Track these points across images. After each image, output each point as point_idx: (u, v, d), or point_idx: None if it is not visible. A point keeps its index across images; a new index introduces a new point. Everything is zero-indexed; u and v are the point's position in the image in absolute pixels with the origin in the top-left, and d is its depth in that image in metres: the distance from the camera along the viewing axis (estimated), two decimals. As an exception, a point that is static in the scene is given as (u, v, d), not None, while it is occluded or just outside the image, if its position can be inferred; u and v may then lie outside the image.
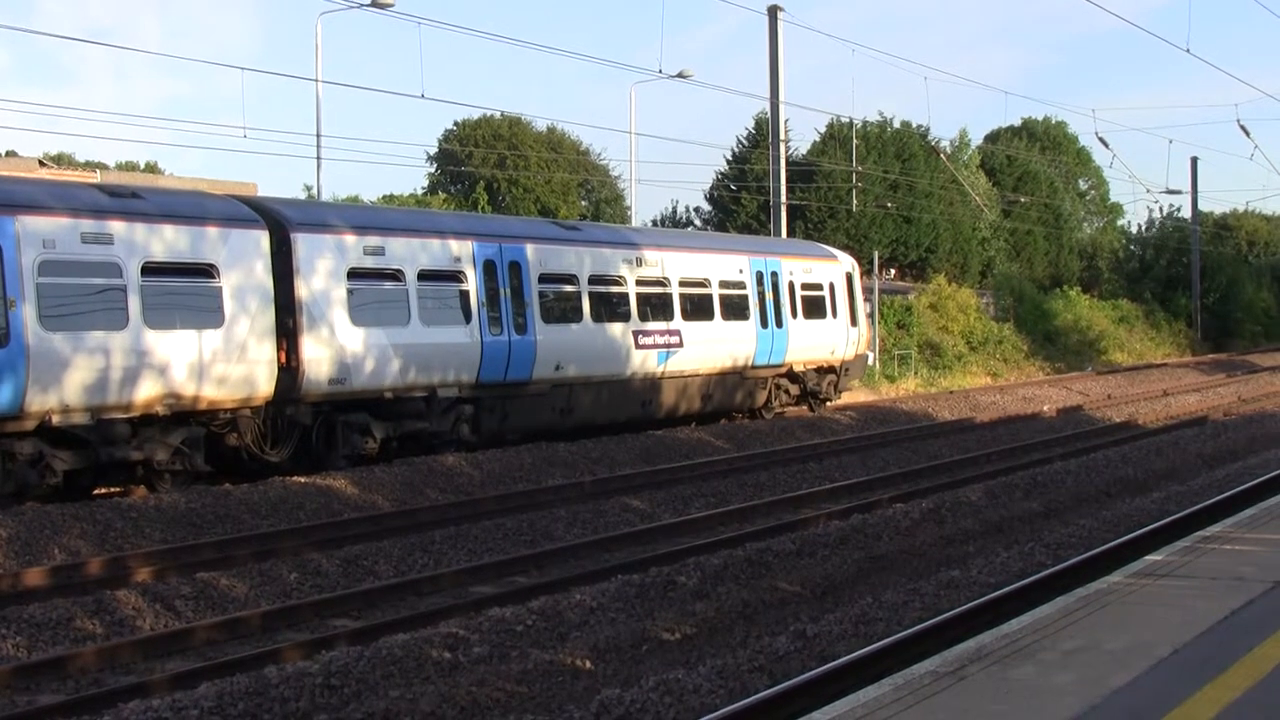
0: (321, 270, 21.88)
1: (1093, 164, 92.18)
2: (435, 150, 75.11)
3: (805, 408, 33.74)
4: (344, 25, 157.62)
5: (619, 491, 21.19)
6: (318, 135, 42.86)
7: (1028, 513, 19.55)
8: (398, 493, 20.42)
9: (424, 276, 23.64)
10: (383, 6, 36.15)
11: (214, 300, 20.23)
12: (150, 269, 19.45)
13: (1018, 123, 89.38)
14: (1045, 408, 36.52)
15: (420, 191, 70.09)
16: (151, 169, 68.07)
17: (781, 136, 42.45)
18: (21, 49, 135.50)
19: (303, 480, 20.21)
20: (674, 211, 72.44)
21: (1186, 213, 75.89)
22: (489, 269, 24.86)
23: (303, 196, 46.63)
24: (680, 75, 44.50)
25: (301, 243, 21.67)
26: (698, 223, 68.89)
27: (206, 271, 20.23)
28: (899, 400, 37.79)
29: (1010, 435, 30.47)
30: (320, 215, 23.52)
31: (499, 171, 70.62)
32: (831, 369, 34.25)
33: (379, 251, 22.98)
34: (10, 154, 51.84)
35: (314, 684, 10.75)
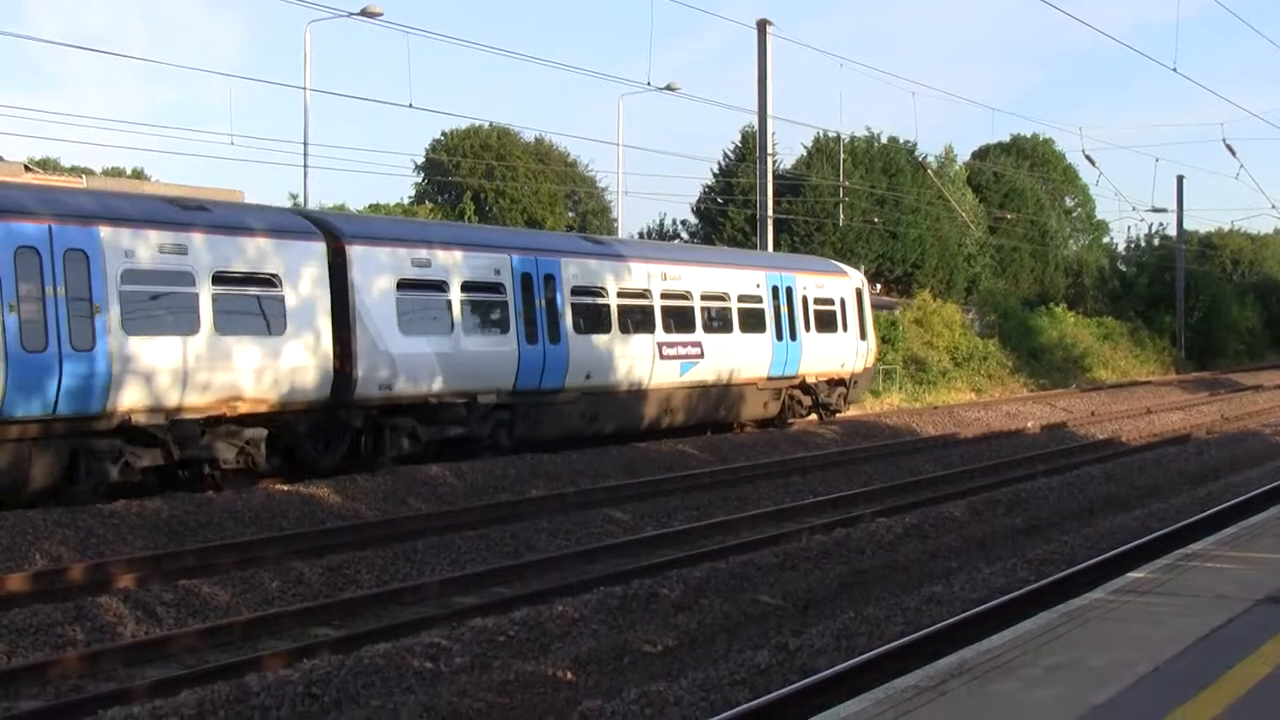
0: (373, 281, 22.78)
1: (1079, 181, 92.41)
2: (423, 160, 75.13)
3: (816, 418, 34.62)
4: (332, 34, 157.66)
5: (602, 503, 21.18)
6: (305, 143, 42.85)
7: (1010, 529, 19.58)
8: (381, 502, 20.39)
9: (466, 288, 24.55)
10: (371, 16, 36.19)
11: (277, 308, 21.17)
12: (219, 278, 20.40)
13: (1007, 139, 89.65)
14: (1029, 424, 36.59)
15: (407, 201, 69.97)
16: (138, 175, 67.86)
17: (769, 150, 42.48)
18: (9, 54, 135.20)
19: (285, 488, 20.19)
20: (661, 224, 72.53)
21: (1172, 231, 76.16)
22: (526, 282, 25.73)
23: (289, 205, 46.51)
24: (668, 88, 44.63)
25: (356, 254, 22.52)
26: (684, 235, 68.95)
27: (270, 281, 21.17)
28: (883, 415, 37.84)
29: (994, 451, 30.51)
30: (372, 228, 24.68)
31: (486, 182, 70.61)
32: (841, 381, 35.22)
33: (426, 264, 23.86)
34: (-4, 158, 51.62)
35: (295, 693, 10.72)
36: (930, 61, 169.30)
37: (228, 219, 21.30)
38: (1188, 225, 78.83)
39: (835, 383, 34.98)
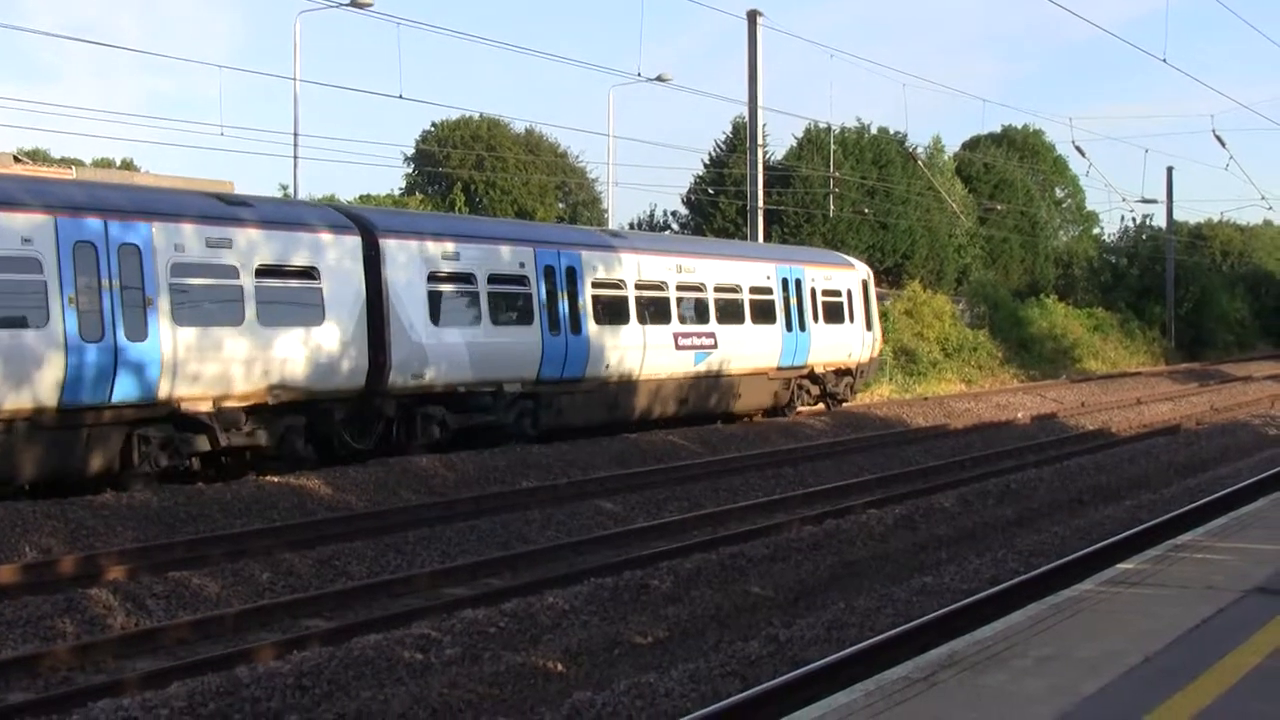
0: (406, 273, 23.51)
1: (1069, 172, 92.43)
2: (413, 151, 74.93)
3: (823, 406, 35.43)
4: (323, 24, 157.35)
5: (593, 494, 21.18)
6: (295, 134, 42.56)
7: (1000, 520, 19.61)
8: (371, 493, 20.37)
9: (493, 280, 25.35)
10: (362, 6, 36.08)
11: (315, 300, 21.88)
12: (262, 271, 21.14)
13: (998, 130, 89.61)
14: (1019, 415, 36.64)
15: (397, 192, 69.81)
16: (128, 166, 67.68)
17: (759, 141, 42.45)
18: (3, 45, 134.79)
19: (276, 480, 20.17)
20: (651, 215, 72.36)
21: (1162, 222, 76.26)
22: (548, 274, 26.51)
23: (279, 195, 46.42)
24: (659, 79, 44.48)
25: (389, 248, 23.28)
26: (674, 227, 68.82)
27: (309, 274, 21.90)
28: (873, 406, 37.87)
29: (984, 442, 30.56)
30: (404, 222, 25.53)
31: (476, 173, 70.49)
32: (848, 371, 36.01)
33: (455, 257, 24.64)
34: (-15, 149, 51.48)
35: (285, 684, 10.72)
36: (921, 53, 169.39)
37: (269, 214, 22.11)
38: (1178, 216, 79.00)
39: (842, 372, 35.76)
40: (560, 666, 11.60)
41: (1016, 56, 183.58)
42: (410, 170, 75.14)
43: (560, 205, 77.62)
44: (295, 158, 42.43)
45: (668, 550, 16.66)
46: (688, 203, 68.00)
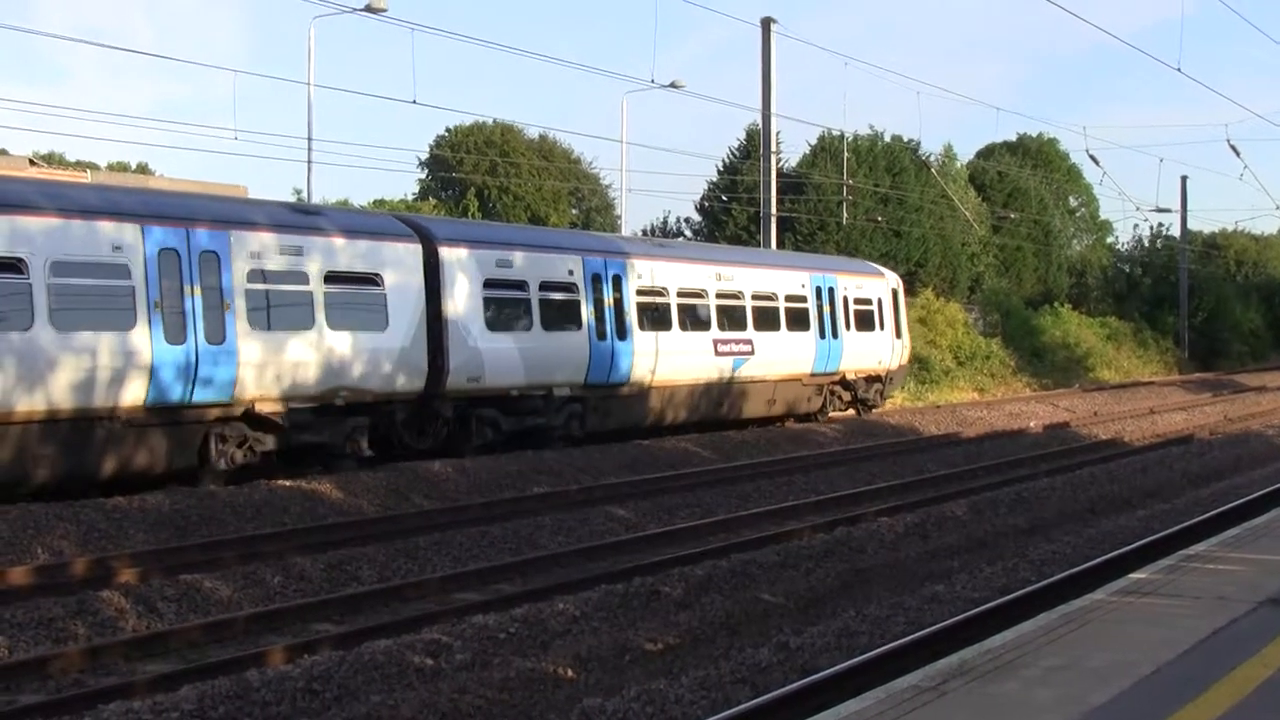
0: (463, 280, 24.40)
1: (1083, 181, 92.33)
2: (426, 156, 75.02)
3: (854, 412, 36.32)
4: (337, 29, 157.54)
5: (605, 500, 21.19)
6: (308, 139, 42.63)
7: (1012, 528, 19.56)
8: (383, 498, 20.40)
9: (543, 287, 26.23)
10: (376, 12, 36.14)
11: (379, 305, 22.75)
12: (330, 277, 22.06)
13: (1012, 139, 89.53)
14: (1031, 424, 36.56)
15: (411, 197, 69.94)
16: (143, 170, 67.85)
17: (773, 148, 42.48)
18: (16, 49, 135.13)
19: (288, 484, 20.22)
20: (664, 221, 72.35)
21: (1176, 231, 76.09)
22: (596, 282, 27.43)
23: (292, 200, 46.50)
24: (672, 85, 44.54)
25: (447, 255, 24.20)
26: (688, 233, 68.79)
27: (373, 280, 22.80)
28: (885, 414, 37.82)
29: (996, 451, 30.49)
30: (461, 231, 26.81)
31: (490, 179, 70.54)
32: (878, 377, 36.96)
33: (508, 264, 25.52)
34: (0, 152, 51.59)
35: (296, 688, 10.73)
36: (935, 60, 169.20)
37: (338, 222, 23.15)
38: (1192, 225, 78.85)
39: (872, 379, 36.64)
40: (570, 672, 11.59)
41: (1031, 64, 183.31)
42: (424, 175, 75.27)
43: (573, 211, 77.65)
44: (309, 162, 42.47)
45: (679, 557, 16.64)
46: (701, 209, 68.00)
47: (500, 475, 22.64)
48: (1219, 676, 8.28)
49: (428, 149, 75.55)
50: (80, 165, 57.01)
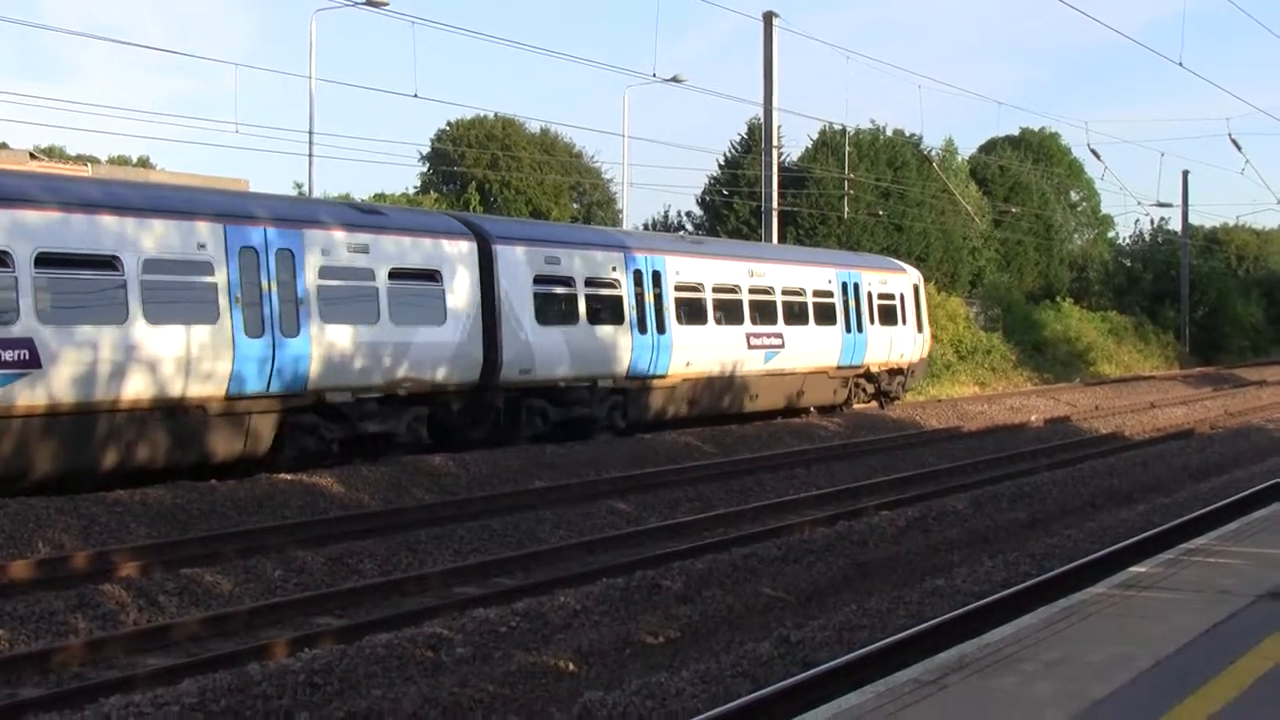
0: (514, 276, 25.45)
1: (1084, 176, 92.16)
2: (428, 150, 74.94)
3: (877, 404, 37.46)
4: (338, 23, 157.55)
5: (606, 494, 21.19)
6: (310, 132, 42.66)
7: (1013, 522, 19.58)
8: (384, 492, 20.41)
9: (589, 283, 27.28)
10: (377, 5, 36.12)
11: (439, 300, 23.78)
12: (394, 274, 23.11)
13: (1015, 132, 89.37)
14: (1032, 418, 36.58)
15: (412, 191, 69.87)
16: (144, 163, 67.80)
17: (774, 142, 42.44)
18: (21, 43, 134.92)
19: (289, 477, 20.23)
20: (666, 215, 72.26)
21: (1177, 225, 76.03)
22: (637, 278, 28.48)
23: (294, 193, 46.48)
24: (674, 79, 44.47)
25: (500, 253, 25.22)
26: (689, 227, 68.72)
27: (433, 276, 23.80)
28: (887, 408, 37.84)
29: (997, 445, 30.49)
30: (514, 230, 27.77)
31: (491, 172, 70.49)
32: (900, 371, 38.15)
33: (556, 261, 26.58)
34: (1, 146, 51.60)
35: (297, 682, 10.74)
36: (937, 55, 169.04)
37: (400, 221, 24.35)
38: (1193, 220, 78.75)
39: (895, 372, 37.75)
40: (571, 666, 11.60)
41: (1032, 59, 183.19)
42: (425, 169, 75.20)
43: (575, 205, 77.57)
44: (310, 155, 42.49)
45: (680, 550, 16.66)
46: (702, 203, 67.94)
47: (501, 469, 22.65)
48: (1219, 670, 8.29)
49: (429, 142, 75.47)
50: (81, 159, 57.03)
